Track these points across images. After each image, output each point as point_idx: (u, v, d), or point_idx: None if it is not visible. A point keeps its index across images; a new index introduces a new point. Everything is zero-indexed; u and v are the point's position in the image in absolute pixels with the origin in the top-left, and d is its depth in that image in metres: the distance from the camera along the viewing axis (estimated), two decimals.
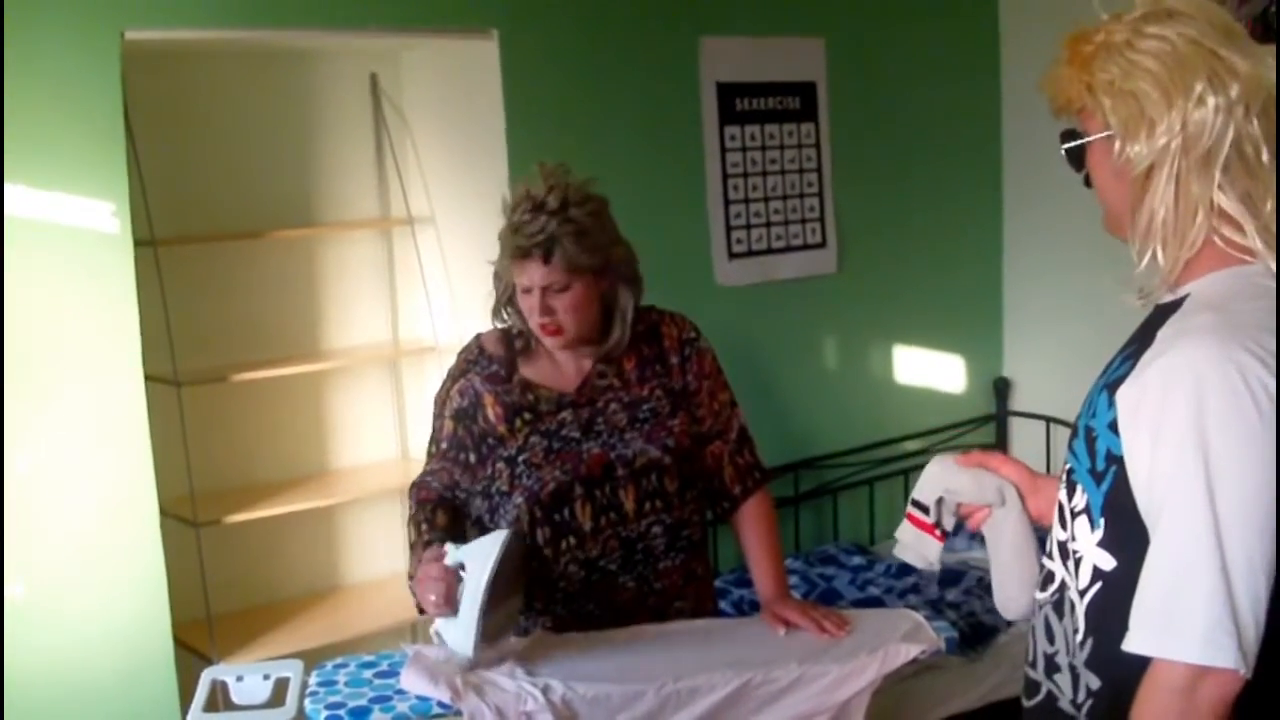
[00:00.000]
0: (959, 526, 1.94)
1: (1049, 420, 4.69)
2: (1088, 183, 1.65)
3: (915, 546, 1.95)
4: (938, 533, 1.93)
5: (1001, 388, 4.96)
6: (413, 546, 2.41)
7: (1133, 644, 1.44)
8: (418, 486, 2.52)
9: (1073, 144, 1.63)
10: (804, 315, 4.45)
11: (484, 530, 2.45)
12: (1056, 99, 1.62)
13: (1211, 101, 1.47)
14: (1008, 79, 4.82)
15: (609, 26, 3.90)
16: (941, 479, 1.92)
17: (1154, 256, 1.53)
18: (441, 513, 2.45)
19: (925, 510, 1.93)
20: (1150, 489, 1.46)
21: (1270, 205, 1.51)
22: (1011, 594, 1.87)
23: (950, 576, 3.96)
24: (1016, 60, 4.76)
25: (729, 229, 4.21)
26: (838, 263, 4.48)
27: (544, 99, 3.76)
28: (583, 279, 2.40)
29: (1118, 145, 1.53)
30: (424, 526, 2.42)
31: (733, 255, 4.22)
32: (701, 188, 4.15)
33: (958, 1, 4.74)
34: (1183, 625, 1.39)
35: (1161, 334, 1.50)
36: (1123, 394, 1.50)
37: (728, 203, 4.20)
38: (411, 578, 2.32)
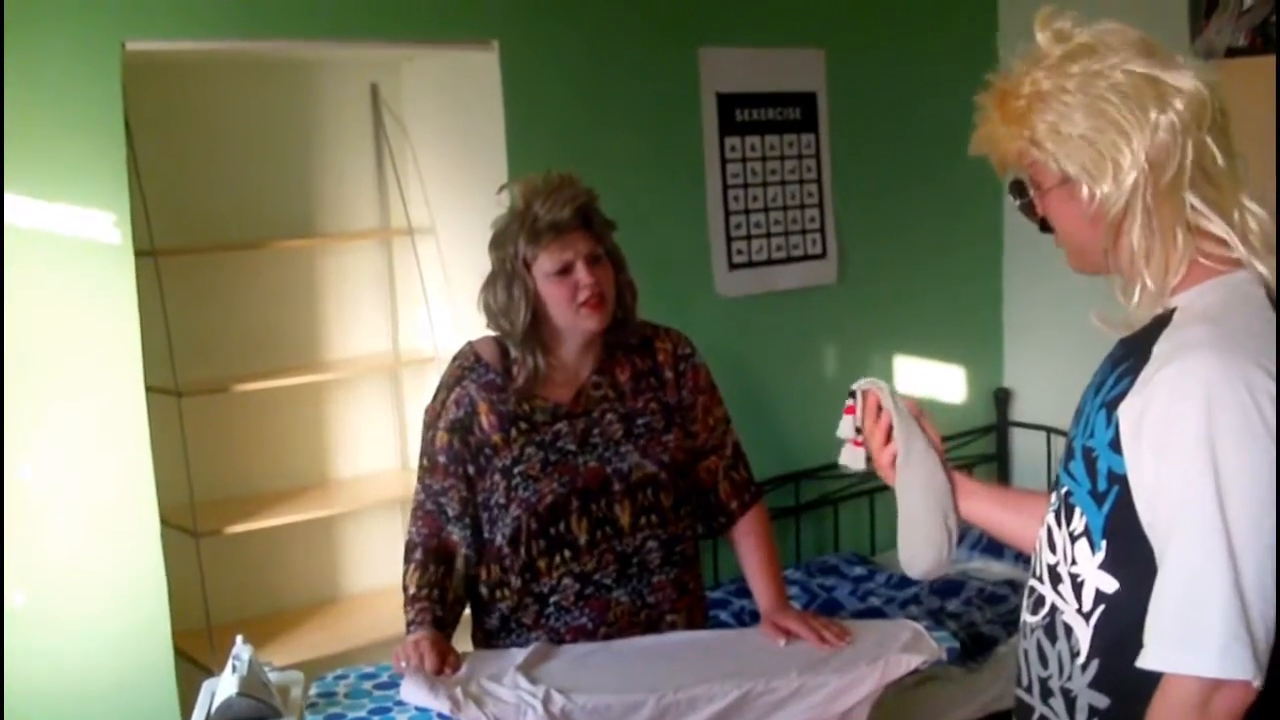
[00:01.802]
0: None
1: (1049, 430, 4.70)
2: (1044, 228, 1.65)
3: (846, 449, 1.97)
4: (858, 435, 1.94)
5: (1002, 398, 4.97)
6: (411, 600, 2.44)
7: (1149, 661, 1.44)
8: (428, 515, 2.50)
9: (1022, 201, 1.64)
10: (804, 326, 4.45)
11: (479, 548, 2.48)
12: (999, 158, 1.62)
13: (1166, 126, 1.48)
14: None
15: (609, 37, 3.91)
16: (878, 382, 1.93)
17: (1143, 288, 1.53)
18: (440, 568, 2.49)
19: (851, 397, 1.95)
20: (1156, 505, 1.46)
21: (1238, 213, 1.51)
22: (916, 551, 1.89)
23: (950, 587, 3.96)
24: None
25: (729, 240, 4.21)
26: (838, 273, 4.48)
27: (544, 110, 3.76)
28: (607, 255, 2.44)
29: (1086, 191, 1.52)
30: (435, 592, 2.44)
31: (733, 266, 4.23)
32: (701, 198, 4.15)
33: (957, 12, 4.74)
34: (1199, 640, 1.39)
35: (1158, 349, 1.49)
36: (1124, 411, 1.49)
37: (728, 213, 4.20)
38: (411, 626, 2.40)
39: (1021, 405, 4.96)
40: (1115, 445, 1.50)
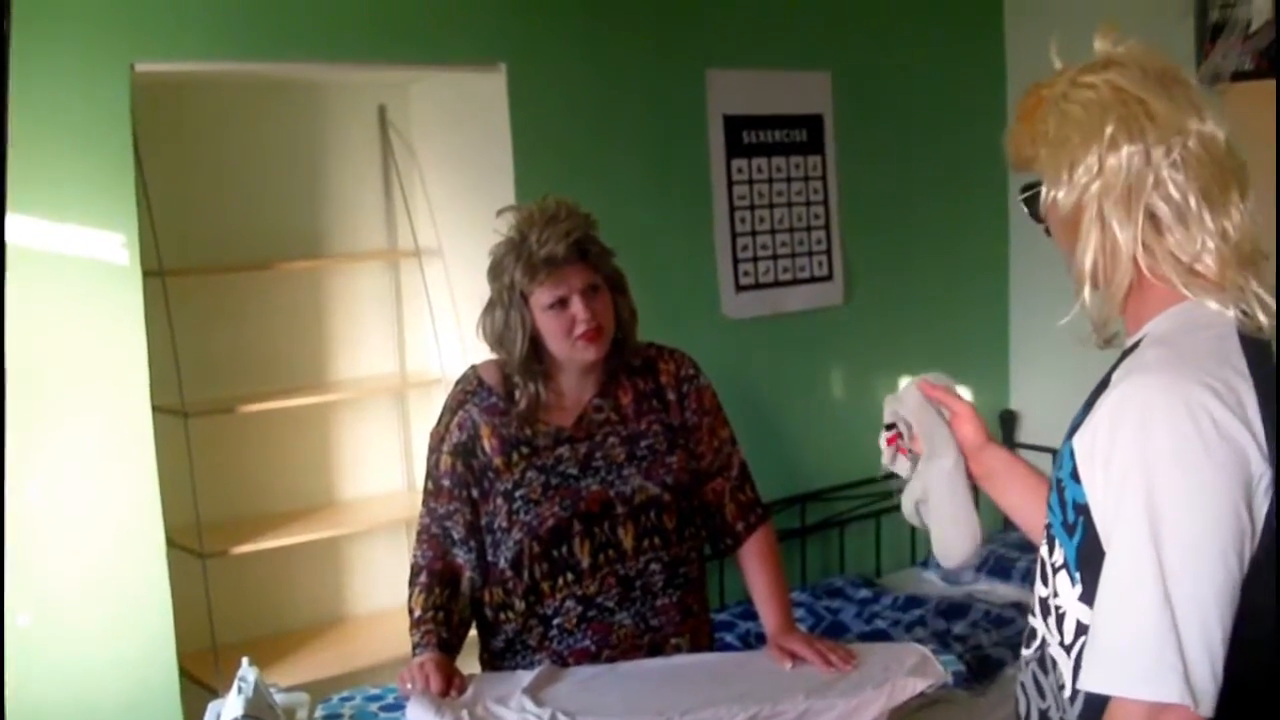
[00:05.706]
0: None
1: (1055, 453, 4.67)
2: (1049, 233, 1.66)
3: (892, 463, 2.04)
4: (906, 452, 2.00)
5: (1008, 420, 4.96)
6: (416, 622, 2.45)
7: (1085, 681, 1.43)
8: (433, 538, 2.51)
9: (1024, 195, 1.66)
10: (811, 348, 4.45)
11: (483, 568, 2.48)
12: (1011, 155, 1.66)
13: (1125, 146, 1.48)
14: (1014, 113, 4.83)
15: (616, 59, 3.93)
16: (896, 405, 2.00)
17: (1084, 298, 1.55)
18: (445, 591, 2.50)
19: (892, 428, 2.02)
20: (1103, 527, 1.46)
21: (1200, 247, 1.49)
22: (951, 542, 1.93)
23: (956, 610, 3.95)
24: (1023, 94, 4.76)
25: (736, 261, 4.21)
26: (845, 295, 4.49)
27: (551, 132, 3.77)
28: (605, 282, 2.43)
29: (1045, 192, 1.56)
30: (440, 615, 2.45)
31: (740, 288, 4.23)
32: (709, 220, 4.16)
33: (964, 35, 4.76)
34: (1128, 661, 1.38)
35: (1115, 377, 1.50)
36: (1078, 440, 1.50)
37: (735, 235, 4.21)
38: (416, 648, 2.41)
39: (1027, 427, 4.95)
40: (1075, 475, 1.50)
